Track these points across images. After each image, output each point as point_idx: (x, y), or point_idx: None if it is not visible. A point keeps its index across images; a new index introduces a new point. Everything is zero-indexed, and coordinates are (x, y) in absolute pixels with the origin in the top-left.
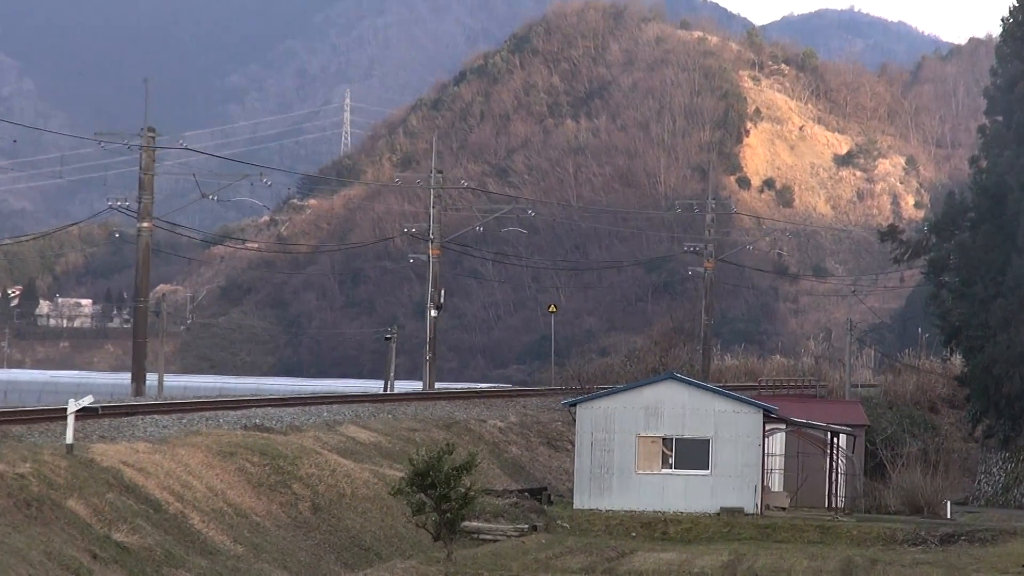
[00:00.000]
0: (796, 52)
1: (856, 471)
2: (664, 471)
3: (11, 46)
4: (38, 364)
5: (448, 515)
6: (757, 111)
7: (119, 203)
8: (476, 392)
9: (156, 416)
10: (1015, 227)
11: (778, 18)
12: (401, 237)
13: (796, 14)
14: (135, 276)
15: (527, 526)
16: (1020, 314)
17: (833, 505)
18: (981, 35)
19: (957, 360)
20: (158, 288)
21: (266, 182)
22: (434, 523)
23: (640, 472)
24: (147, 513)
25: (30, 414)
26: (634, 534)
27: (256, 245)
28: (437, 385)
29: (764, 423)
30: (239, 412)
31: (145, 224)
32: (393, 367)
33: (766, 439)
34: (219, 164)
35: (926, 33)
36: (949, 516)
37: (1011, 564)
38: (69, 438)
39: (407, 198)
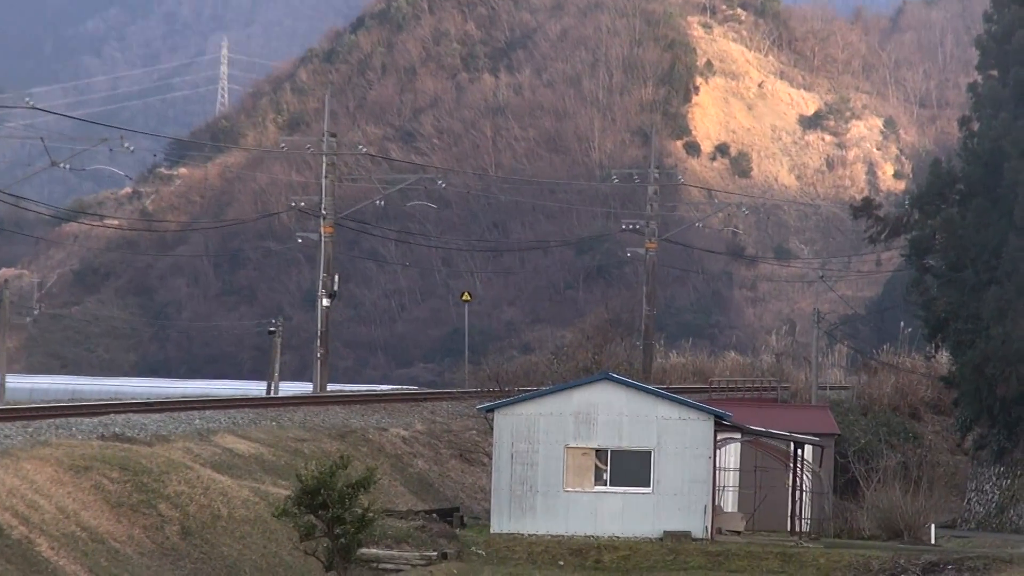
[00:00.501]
0: None
1: (824, 488)
2: (598, 488)
3: None
4: None
5: (342, 540)
6: (708, 64)
7: None
8: (376, 395)
9: None
10: (1012, 201)
11: None
12: (288, 213)
13: None
14: None
15: (435, 553)
16: (1017, 304)
17: (797, 529)
18: None
19: (943, 358)
20: (0, 272)
21: (128, 147)
22: (326, 550)
23: (569, 490)
24: None
25: None
26: (562, 563)
27: (116, 222)
28: (330, 387)
29: (716, 432)
30: (95, 419)
31: None
32: (278, 366)
33: (718, 451)
34: (73, 126)
35: None
36: (933, 541)
37: None
38: None
39: (295, 166)
